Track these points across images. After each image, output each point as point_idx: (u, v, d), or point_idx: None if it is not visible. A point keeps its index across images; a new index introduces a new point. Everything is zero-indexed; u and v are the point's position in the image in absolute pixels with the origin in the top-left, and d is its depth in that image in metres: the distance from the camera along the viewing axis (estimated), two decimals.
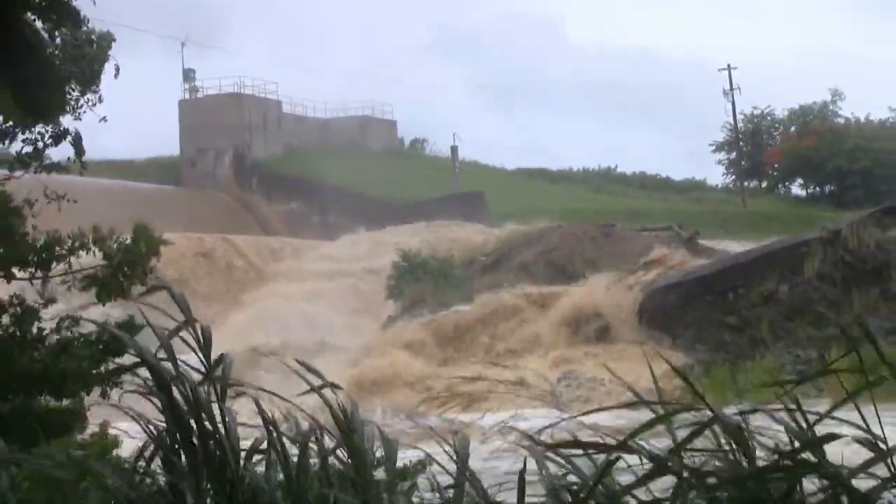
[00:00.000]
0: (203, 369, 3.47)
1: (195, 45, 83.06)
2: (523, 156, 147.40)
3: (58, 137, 8.56)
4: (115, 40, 8.79)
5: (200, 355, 3.47)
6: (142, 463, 3.51)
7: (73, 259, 8.17)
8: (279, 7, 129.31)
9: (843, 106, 71.64)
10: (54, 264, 7.99)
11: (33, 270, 7.99)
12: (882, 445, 2.84)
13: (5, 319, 7.83)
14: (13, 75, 7.36)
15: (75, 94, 8.65)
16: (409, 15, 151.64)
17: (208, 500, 3.30)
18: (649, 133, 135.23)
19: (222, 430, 3.35)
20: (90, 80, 8.66)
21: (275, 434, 3.39)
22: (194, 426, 3.31)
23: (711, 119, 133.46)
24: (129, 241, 8.14)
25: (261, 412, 3.43)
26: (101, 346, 8.32)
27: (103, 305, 7.88)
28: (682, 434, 3.03)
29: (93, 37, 8.66)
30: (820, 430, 2.99)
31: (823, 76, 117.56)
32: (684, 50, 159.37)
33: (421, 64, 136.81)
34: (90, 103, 8.68)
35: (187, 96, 65.91)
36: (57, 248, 8.05)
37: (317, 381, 3.56)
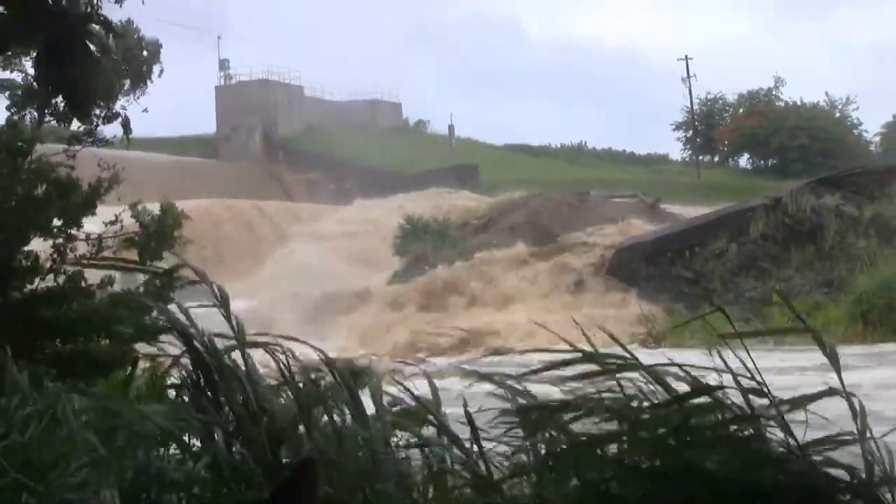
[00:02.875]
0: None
1: (201, 31, 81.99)
2: (494, 131, 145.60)
3: (109, 119, 8.59)
4: (162, 46, 8.87)
5: (221, 310, 3.47)
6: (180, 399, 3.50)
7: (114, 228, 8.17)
8: (266, 4, 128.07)
9: (784, 91, 71.50)
10: (98, 201, 8.01)
11: (82, 215, 7.95)
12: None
13: (63, 271, 7.79)
14: (66, 76, 7.26)
15: (126, 87, 8.68)
16: (384, 12, 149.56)
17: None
18: (606, 112, 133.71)
19: (243, 370, 3.32)
20: (140, 78, 8.72)
21: (287, 372, 3.36)
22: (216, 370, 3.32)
23: (657, 98, 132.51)
24: (158, 214, 8.20)
25: (275, 359, 3.40)
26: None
27: (144, 265, 7.87)
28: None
29: (143, 43, 8.73)
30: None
31: (760, 61, 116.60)
32: (631, 40, 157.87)
33: (401, 55, 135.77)
34: (137, 97, 8.78)
35: (222, 82, 65.80)
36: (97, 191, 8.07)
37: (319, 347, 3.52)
